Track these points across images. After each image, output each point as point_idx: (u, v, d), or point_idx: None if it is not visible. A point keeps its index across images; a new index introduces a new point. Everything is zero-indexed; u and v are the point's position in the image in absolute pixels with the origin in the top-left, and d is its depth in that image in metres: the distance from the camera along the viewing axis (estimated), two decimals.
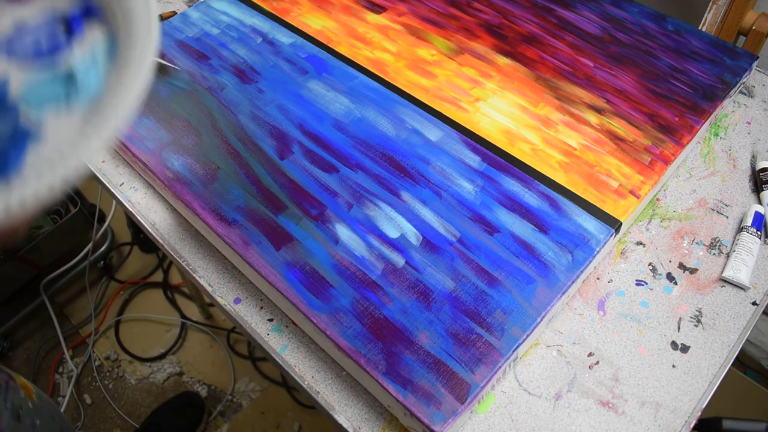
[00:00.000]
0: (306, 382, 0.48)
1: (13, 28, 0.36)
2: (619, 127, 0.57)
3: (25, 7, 0.37)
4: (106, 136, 0.30)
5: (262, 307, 0.53)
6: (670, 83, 0.61)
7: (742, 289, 0.52)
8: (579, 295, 0.52)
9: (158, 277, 1.44)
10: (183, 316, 1.37)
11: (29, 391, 0.73)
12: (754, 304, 0.51)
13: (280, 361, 0.49)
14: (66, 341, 1.32)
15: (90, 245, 1.26)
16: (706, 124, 0.59)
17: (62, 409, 1.24)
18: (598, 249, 0.49)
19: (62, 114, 0.32)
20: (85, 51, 0.35)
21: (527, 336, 0.45)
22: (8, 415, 0.67)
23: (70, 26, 0.36)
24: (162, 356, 1.32)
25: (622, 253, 0.54)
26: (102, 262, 1.42)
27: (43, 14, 0.37)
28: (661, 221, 0.56)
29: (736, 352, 0.48)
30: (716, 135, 0.63)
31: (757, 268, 0.53)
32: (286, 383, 1.25)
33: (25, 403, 0.71)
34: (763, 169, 0.58)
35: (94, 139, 0.30)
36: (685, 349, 0.49)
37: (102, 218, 1.35)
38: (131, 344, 1.34)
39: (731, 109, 0.65)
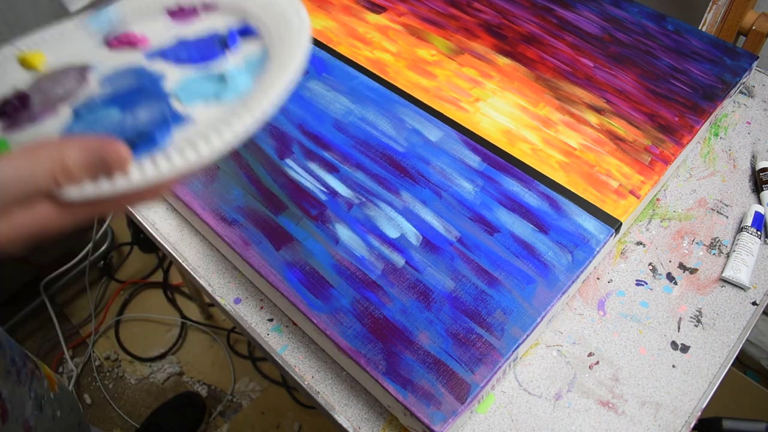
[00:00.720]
0: (306, 382, 0.48)
1: (175, 40, 0.40)
2: (619, 127, 0.57)
3: (189, 26, 0.41)
4: (247, 123, 0.33)
5: (262, 307, 0.53)
6: (670, 83, 0.61)
7: (742, 289, 0.52)
8: (579, 295, 0.52)
9: (158, 277, 1.44)
10: (183, 316, 1.37)
11: (52, 381, 0.73)
12: (754, 304, 0.51)
13: (280, 361, 0.49)
14: (66, 341, 1.32)
15: (90, 245, 1.26)
16: (706, 124, 0.59)
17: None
18: (598, 249, 0.49)
19: (211, 106, 0.36)
20: (238, 60, 0.38)
21: (527, 336, 0.45)
22: (31, 405, 0.67)
23: (226, 41, 0.39)
24: (162, 356, 1.32)
25: (622, 253, 0.54)
26: (102, 262, 1.42)
27: (205, 31, 0.41)
28: (661, 221, 0.56)
29: (736, 352, 0.48)
30: (716, 135, 0.63)
31: (757, 268, 0.53)
32: (286, 383, 1.25)
33: (47, 393, 0.71)
34: (763, 169, 0.58)
35: (236, 124, 0.33)
36: (685, 349, 0.49)
37: (102, 218, 1.35)
38: (131, 344, 1.34)
39: (731, 109, 0.65)
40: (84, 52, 0.40)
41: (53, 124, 0.35)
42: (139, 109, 0.35)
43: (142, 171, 0.30)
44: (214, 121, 0.34)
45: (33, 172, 0.27)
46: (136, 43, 0.40)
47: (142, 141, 0.33)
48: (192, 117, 0.35)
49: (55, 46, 0.41)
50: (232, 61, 0.38)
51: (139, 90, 0.37)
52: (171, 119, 0.35)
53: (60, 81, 0.38)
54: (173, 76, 0.38)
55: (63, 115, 0.36)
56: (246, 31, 0.40)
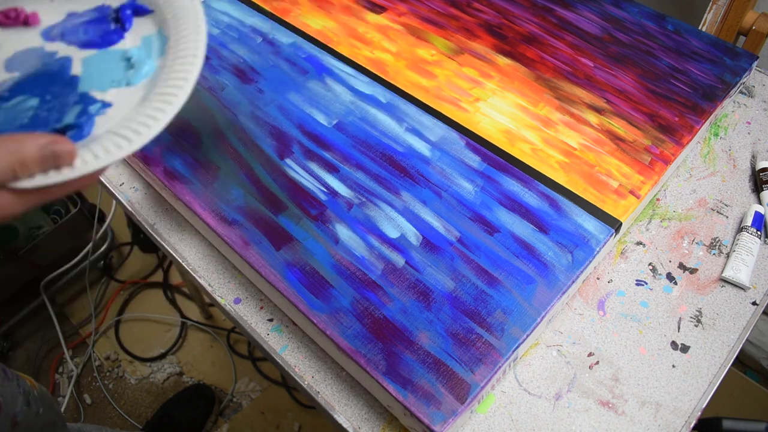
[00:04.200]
0: (306, 382, 0.48)
1: (66, 17, 0.42)
2: (619, 127, 0.57)
3: (78, 2, 0.43)
4: (164, 102, 0.36)
5: (262, 307, 0.53)
6: (670, 83, 0.61)
7: (742, 289, 0.52)
8: (579, 295, 0.52)
9: (158, 277, 1.44)
10: (183, 316, 1.37)
11: (32, 382, 0.77)
12: (754, 304, 0.51)
13: (280, 361, 0.49)
14: (66, 341, 1.32)
15: (90, 245, 1.26)
16: (706, 124, 0.59)
17: (62, 409, 1.24)
18: (598, 249, 0.49)
19: (124, 90, 0.39)
20: (137, 39, 0.41)
21: (527, 336, 0.45)
22: (21, 400, 0.70)
23: (121, 19, 0.41)
24: (162, 356, 1.32)
25: (622, 253, 0.54)
26: (102, 262, 1.42)
27: (95, 8, 0.43)
28: (661, 221, 0.56)
29: (736, 352, 0.48)
30: (716, 135, 0.63)
31: (757, 268, 0.53)
32: (286, 383, 1.25)
33: (32, 390, 0.75)
34: (763, 169, 0.58)
35: (155, 104, 0.36)
36: (685, 349, 0.49)
37: (102, 218, 1.35)
38: (131, 344, 1.34)
39: (731, 109, 0.65)
40: None
41: None
42: (57, 98, 0.38)
43: (84, 161, 0.34)
44: (134, 107, 0.37)
45: None
46: (28, 19, 0.41)
47: (71, 131, 0.36)
48: (110, 103, 0.38)
49: None
50: (131, 42, 0.41)
51: (49, 75, 0.39)
52: (91, 108, 0.38)
53: None
54: (77, 55, 0.40)
55: None
56: (138, 10, 0.42)
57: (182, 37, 0.39)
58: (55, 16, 0.42)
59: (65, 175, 0.33)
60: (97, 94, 0.38)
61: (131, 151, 0.35)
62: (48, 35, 0.41)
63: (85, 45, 0.41)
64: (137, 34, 0.41)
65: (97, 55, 0.40)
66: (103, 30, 0.41)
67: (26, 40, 0.41)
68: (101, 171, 0.36)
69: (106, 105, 0.38)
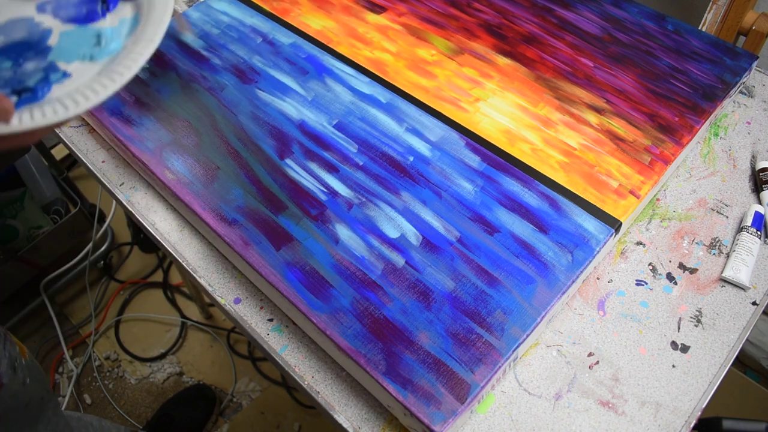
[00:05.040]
0: (306, 382, 0.48)
1: None
2: (619, 127, 0.57)
3: None
4: (109, 88, 0.40)
5: (262, 307, 0.53)
6: (670, 83, 0.61)
7: (742, 289, 0.52)
8: (579, 295, 0.52)
9: (158, 277, 1.44)
10: (183, 316, 1.37)
11: (23, 349, 0.75)
12: (754, 304, 0.51)
13: (280, 361, 0.49)
14: (66, 341, 1.32)
15: (90, 245, 1.26)
16: (706, 124, 0.59)
17: (62, 409, 1.23)
18: (598, 249, 0.49)
19: (86, 64, 0.43)
20: (115, 20, 0.45)
21: (527, 336, 0.45)
22: (6, 363, 0.68)
23: (107, 5, 0.46)
24: (162, 356, 1.32)
25: (622, 253, 0.54)
26: (102, 262, 1.42)
27: None
28: (661, 221, 0.56)
29: (736, 352, 0.48)
30: (716, 135, 0.63)
31: (757, 268, 0.53)
32: (286, 383, 1.25)
33: (20, 358, 0.72)
34: (763, 169, 0.58)
35: (105, 80, 0.40)
36: (685, 349, 0.49)
37: (102, 218, 1.35)
38: (131, 344, 1.34)
39: (731, 109, 0.65)
40: None
41: None
42: (27, 63, 0.42)
43: (20, 120, 0.37)
44: (87, 81, 0.41)
45: None
46: None
47: (26, 93, 0.40)
48: (70, 74, 0.42)
49: None
50: (109, 22, 0.45)
51: (28, 44, 0.43)
52: (52, 76, 0.42)
53: None
54: (58, 28, 0.45)
55: None
56: None
57: (149, 21, 0.44)
58: None
59: (1, 130, 0.37)
60: (62, 65, 0.42)
61: (59, 120, 0.38)
62: (41, 8, 0.45)
63: (69, 20, 0.45)
64: (116, 16, 0.46)
65: (74, 30, 0.45)
66: (89, 9, 0.46)
67: (21, 9, 0.45)
68: (39, 132, 0.39)
69: (66, 75, 0.42)
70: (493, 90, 0.61)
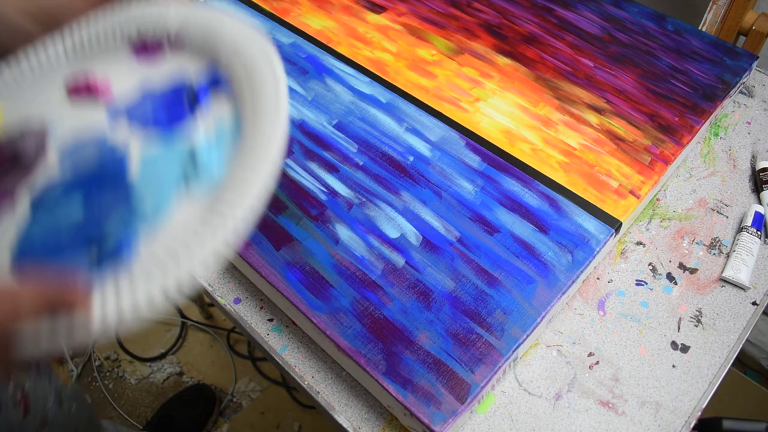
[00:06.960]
0: (306, 382, 0.48)
1: (140, 92, 0.36)
2: (619, 127, 0.57)
3: (154, 69, 0.37)
4: (228, 234, 0.27)
5: (262, 307, 0.53)
6: (670, 83, 0.61)
7: (742, 289, 0.52)
8: (579, 295, 0.52)
9: None
10: (183, 316, 1.37)
11: (65, 376, 0.73)
12: (754, 304, 0.51)
13: (280, 361, 0.49)
14: None
15: None
16: (706, 124, 0.59)
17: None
18: (598, 249, 0.49)
19: (183, 200, 0.30)
20: (209, 126, 0.33)
21: (527, 336, 0.45)
22: (53, 399, 0.67)
23: (196, 96, 0.35)
24: (162, 356, 1.32)
25: (622, 253, 0.54)
26: None
27: (171, 79, 0.36)
28: (661, 221, 0.56)
29: (736, 352, 0.48)
30: (716, 135, 0.63)
31: (757, 268, 0.53)
32: (286, 383, 1.25)
33: (64, 387, 0.71)
34: (763, 169, 0.58)
35: (218, 235, 0.27)
36: (685, 349, 0.49)
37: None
38: (131, 344, 1.34)
39: (731, 109, 0.65)
40: (43, 103, 0.37)
41: (9, 223, 0.33)
42: (103, 208, 0.31)
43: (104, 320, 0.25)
44: (189, 227, 0.29)
45: None
46: (98, 92, 0.37)
47: (105, 253, 0.29)
48: (161, 224, 0.30)
49: (14, 93, 0.38)
50: (203, 129, 0.34)
51: (101, 177, 0.33)
52: (138, 226, 0.30)
53: (19, 149, 0.35)
54: (137, 148, 0.34)
55: (21, 207, 0.33)
56: (216, 82, 0.36)
57: (258, 127, 0.31)
58: (129, 88, 0.37)
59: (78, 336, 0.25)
60: (149, 206, 0.31)
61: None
62: (114, 115, 0.36)
63: (149, 125, 0.35)
64: (211, 119, 0.34)
65: (157, 144, 0.34)
66: (175, 109, 0.35)
67: (90, 119, 0.35)
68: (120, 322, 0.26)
69: (155, 222, 0.30)
70: (493, 90, 0.61)
